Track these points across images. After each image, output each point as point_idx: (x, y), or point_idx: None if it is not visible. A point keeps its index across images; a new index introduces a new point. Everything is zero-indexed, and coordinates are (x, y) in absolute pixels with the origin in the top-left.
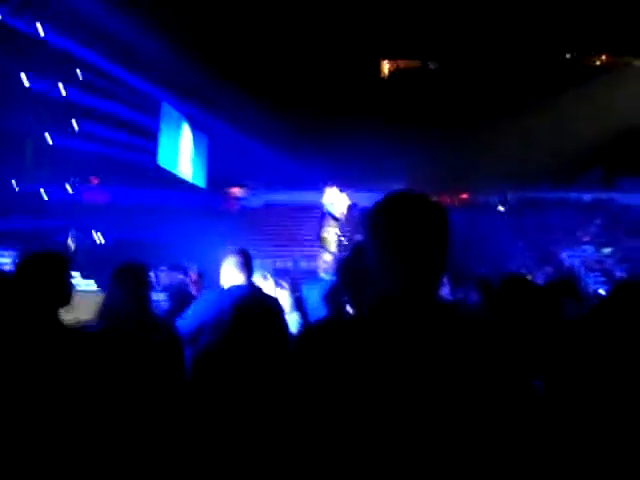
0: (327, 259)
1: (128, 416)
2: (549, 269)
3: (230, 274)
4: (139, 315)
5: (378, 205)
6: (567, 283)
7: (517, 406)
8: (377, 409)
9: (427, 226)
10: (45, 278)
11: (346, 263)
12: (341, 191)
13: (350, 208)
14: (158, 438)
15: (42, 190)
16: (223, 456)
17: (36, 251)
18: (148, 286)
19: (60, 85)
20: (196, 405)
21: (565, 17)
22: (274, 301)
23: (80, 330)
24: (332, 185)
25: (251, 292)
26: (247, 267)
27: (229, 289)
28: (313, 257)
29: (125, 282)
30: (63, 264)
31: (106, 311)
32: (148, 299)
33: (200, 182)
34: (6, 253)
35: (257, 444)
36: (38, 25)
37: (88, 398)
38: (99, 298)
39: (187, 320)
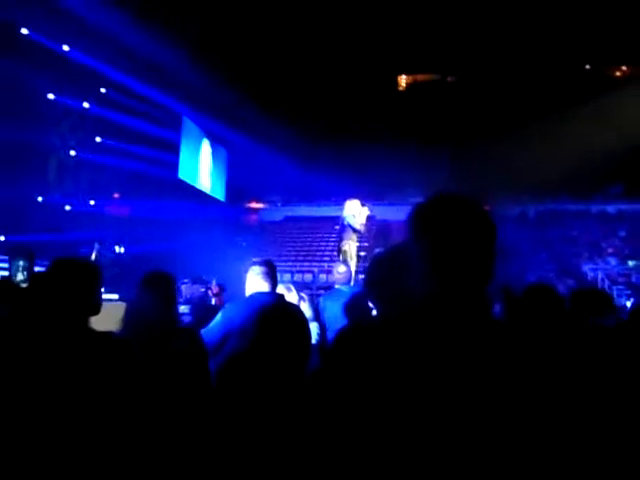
0: (341, 270)
1: (154, 421)
2: (571, 281)
3: (254, 284)
4: (166, 322)
5: (426, 207)
6: (596, 292)
7: (554, 415)
8: (418, 411)
9: (477, 230)
10: (78, 285)
11: (374, 270)
12: (362, 204)
13: (369, 220)
14: (184, 443)
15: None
16: (247, 462)
17: (68, 258)
18: (175, 294)
19: (85, 103)
20: (221, 412)
21: (584, 28)
22: (298, 309)
23: (112, 335)
24: (353, 198)
25: (275, 300)
26: (271, 277)
27: (253, 297)
28: (332, 271)
29: (153, 289)
30: (96, 273)
31: (133, 318)
32: (175, 307)
33: (219, 195)
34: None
35: (281, 451)
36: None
37: (119, 402)
38: (122, 309)
39: (213, 329)
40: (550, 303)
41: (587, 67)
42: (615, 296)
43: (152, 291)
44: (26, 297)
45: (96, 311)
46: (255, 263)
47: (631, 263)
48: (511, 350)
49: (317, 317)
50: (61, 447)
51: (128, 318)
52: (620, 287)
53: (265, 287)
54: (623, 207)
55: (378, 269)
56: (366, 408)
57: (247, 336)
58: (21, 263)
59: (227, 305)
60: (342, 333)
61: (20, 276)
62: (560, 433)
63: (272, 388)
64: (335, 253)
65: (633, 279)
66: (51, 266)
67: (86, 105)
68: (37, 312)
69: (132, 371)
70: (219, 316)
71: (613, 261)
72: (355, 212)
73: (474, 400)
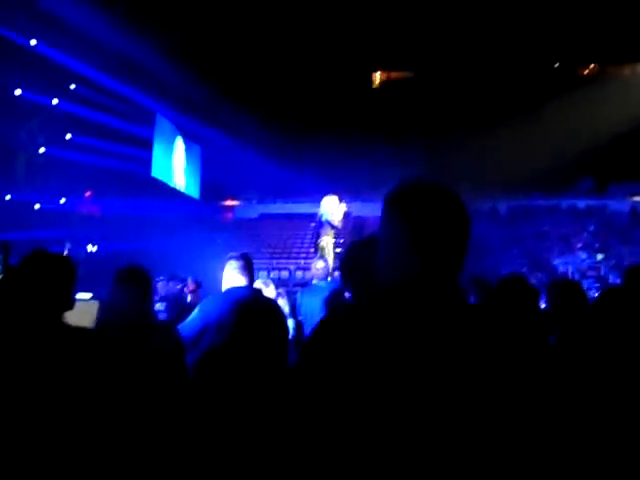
0: (319, 266)
1: (131, 416)
2: (541, 275)
3: (231, 278)
4: (141, 317)
5: (394, 194)
6: (569, 283)
7: (528, 402)
8: (390, 398)
9: (448, 214)
10: (54, 278)
11: (349, 260)
12: (340, 200)
13: (346, 217)
14: (161, 439)
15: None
16: (226, 457)
17: (43, 251)
18: (151, 289)
19: (54, 99)
20: (199, 407)
21: (554, 27)
22: (275, 303)
23: (87, 330)
24: (331, 194)
25: (252, 293)
26: (248, 271)
27: (230, 291)
28: (308, 268)
29: (128, 284)
30: (71, 267)
31: (107, 313)
32: (151, 302)
33: (194, 193)
34: None
35: (261, 444)
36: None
37: (96, 397)
38: (95, 308)
39: (190, 323)
40: (524, 293)
41: (556, 65)
42: (587, 289)
43: (127, 286)
44: (0, 289)
45: (70, 306)
46: (232, 257)
47: (600, 257)
48: (488, 333)
49: (294, 313)
50: (35, 443)
51: (103, 314)
52: (590, 280)
53: (242, 281)
54: (592, 202)
55: (353, 254)
56: (343, 396)
57: (224, 330)
58: None
59: (204, 300)
60: (318, 325)
61: None
62: (534, 418)
63: (250, 382)
64: (312, 250)
65: (602, 272)
66: (26, 259)
67: (55, 101)
68: (11, 305)
69: (108, 366)
70: (196, 310)
71: (583, 255)
72: (333, 208)
73: (453, 383)
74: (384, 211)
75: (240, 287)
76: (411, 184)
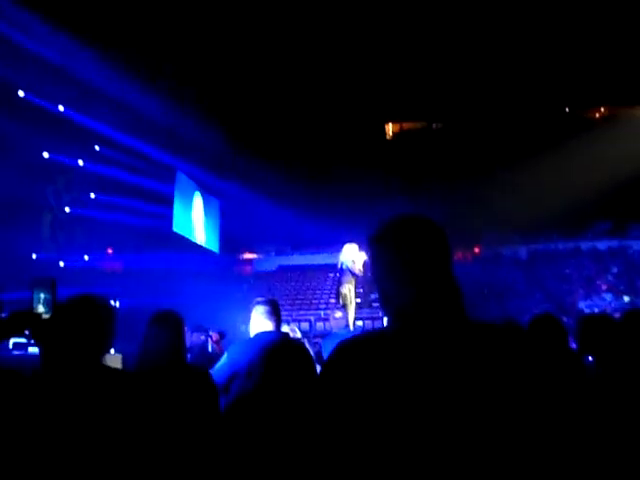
0: (338, 316)
1: (166, 460)
2: (567, 319)
3: (259, 323)
4: (176, 361)
5: (376, 233)
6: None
7: (545, 415)
8: (405, 417)
9: (425, 240)
10: (98, 320)
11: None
12: (360, 249)
13: (364, 266)
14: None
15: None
16: None
17: (87, 294)
18: (184, 332)
19: (80, 160)
20: (232, 450)
21: (561, 72)
22: (303, 345)
23: (125, 373)
24: (351, 242)
25: (280, 338)
26: (275, 315)
27: (259, 335)
28: (328, 319)
29: (163, 326)
30: (113, 310)
31: (143, 356)
32: (184, 345)
33: (214, 247)
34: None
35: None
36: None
37: (132, 438)
38: (118, 361)
39: (219, 370)
40: (556, 330)
41: (567, 110)
42: None
43: (162, 328)
44: (49, 329)
45: (109, 348)
46: (259, 302)
47: (626, 298)
48: (498, 347)
49: (319, 360)
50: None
51: (138, 358)
52: None
53: (269, 326)
54: (613, 243)
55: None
56: (364, 406)
57: (254, 375)
58: (42, 295)
59: (232, 346)
60: (340, 343)
61: (41, 308)
62: (547, 430)
63: (279, 425)
64: (332, 300)
65: None
66: (72, 300)
67: (80, 163)
68: (58, 344)
69: (145, 408)
70: (225, 357)
71: (608, 297)
72: (353, 256)
73: (467, 393)
74: (369, 250)
75: (268, 332)
76: (386, 221)
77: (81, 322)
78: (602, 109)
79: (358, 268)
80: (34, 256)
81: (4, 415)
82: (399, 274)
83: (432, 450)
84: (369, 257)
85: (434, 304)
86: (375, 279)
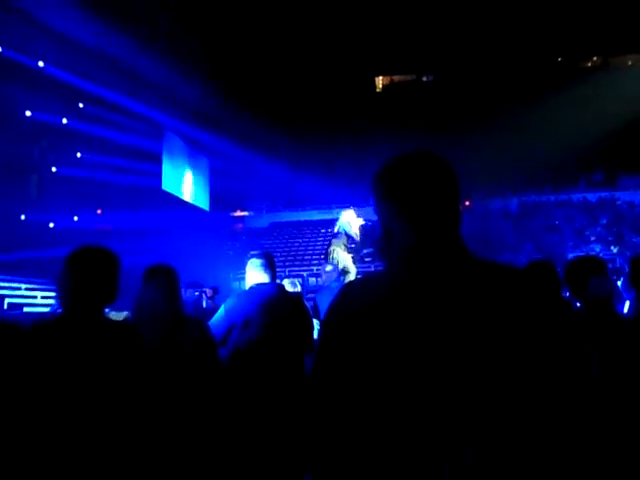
0: (328, 269)
1: (167, 412)
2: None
3: (254, 275)
4: (172, 313)
5: (382, 169)
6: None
7: (544, 353)
8: (405, 350)
9: (433, 177)
10: (103, 270)
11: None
12: (357, 215)
13: (361, 228)
14: (195, 431)
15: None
16: (259, 449)
17: (92, 245)
18: (178, 284)
19: (64, 118)
20: (232, 402)
21: (554, 22)
22: (300, 298)
23: (127, 324)
24: (349, 207)
25: (277, 289)
26: (270, 268)
27: (255, 287)
28: (320, 274)
29: (157, 280)
30: (117, 260)
31: (139, 311)
32: (179, 297)
33: (204, 205)
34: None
35: (293, 438)
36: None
37: (134, 390)
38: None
39: (216, 322)
40: (551, 277)
41: (559, 59)
42: None
43: (155, 282)
44: (63, 275)
45: (113, 298)
46: (254, 256)
47: (614, 249)
48: (495, 282)
49: (315, 314)
50: (74, 435)
51: (134, 312)
52: None
53: (265, 278)
54: (603, 195)
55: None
56: (370, 341)
57: (251, 326)
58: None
59: (228, 299)
60: (346, 284)
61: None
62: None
63: (277, 377)
64: (322, 257)
65: (618, 264)
66: (75, 251)
67: (64, 121)
68: (73, 290)
69: (145, 358)
70: (221, 310)
71: (597, 248)
72: (351, 221)
73: (470, 327)
74: (372, 192)
75: (264, 283)
76: (393, 158)
77: (80, 272)
78: (595, 58)
79: (354, 232)
80: (23, 217)
81: (8, 367)
82: (406, 212)
83: (430, 381)
84: (375, 195)
85: (440, 241)
86: (380, 219)
